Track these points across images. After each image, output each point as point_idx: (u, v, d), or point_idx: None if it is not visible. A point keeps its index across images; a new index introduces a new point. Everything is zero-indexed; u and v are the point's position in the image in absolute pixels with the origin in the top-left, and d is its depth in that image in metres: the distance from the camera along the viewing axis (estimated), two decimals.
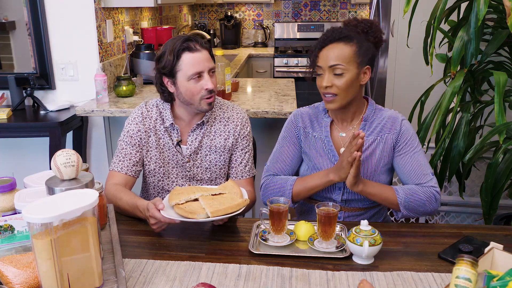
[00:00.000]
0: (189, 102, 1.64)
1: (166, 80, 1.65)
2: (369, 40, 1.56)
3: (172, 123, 1.69)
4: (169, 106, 1.71)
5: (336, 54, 1.50)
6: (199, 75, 1.60)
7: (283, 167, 1.67)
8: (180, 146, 1.71)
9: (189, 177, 1.75)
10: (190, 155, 1.72)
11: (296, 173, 1.72)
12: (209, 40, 5.14)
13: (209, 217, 1.35)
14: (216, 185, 1.78)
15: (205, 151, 1.73)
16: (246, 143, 1.76)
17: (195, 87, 1.61)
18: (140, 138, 1.70)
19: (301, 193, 1.59)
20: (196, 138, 1.71)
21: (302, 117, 1.68)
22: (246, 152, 1.77)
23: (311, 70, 1.58)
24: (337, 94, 1.53)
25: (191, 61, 1.59)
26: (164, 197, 1.76)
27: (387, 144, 1.60)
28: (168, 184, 1.76)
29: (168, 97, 1.69)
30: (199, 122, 1.70)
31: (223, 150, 1.74)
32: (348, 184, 1.48)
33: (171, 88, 1.65)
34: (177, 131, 1.70)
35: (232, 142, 1.74)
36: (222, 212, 1.36)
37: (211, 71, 1.63)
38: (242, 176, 1.77)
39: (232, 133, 1.74)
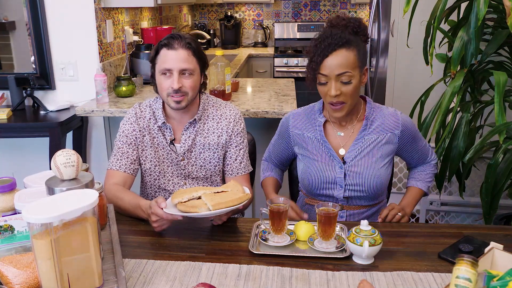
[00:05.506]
0: (161, 96, 1.69)
1: (152, 71, 1.71)
2: (361, 39, 1.56)
3: (164, 122, 1.70)
4: (161, 106, 1.72)
5: (341, 61, 1.49)
6: (169, 72, 1.62)
7: (272, 157, 1.86)
8: (173, 144, 1.72)
9: (184, 175, 1.75)
10: (184, 153, 1.72)
11: (285, 166, 1.89)
12: (208, 40, 5.14)
13: (210, 210, 1.35)
14: (211, 182, 1.79)
15: (199, 149, 1.73)
16: (240, 139, 1.76)
17: (164, 83, 1.64)
18: (136, 137, 1.72)
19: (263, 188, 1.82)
20: (189, 136, 1.72)
21: (295, 119, 1.71)
22: (240, 149, 1.77)
23: (310, 76, 1.56)
24: (346, 102, 1.53)
25: (164, 57, 1.63)
26: (162, 196, 1.77)
27: (390, 141, 1.63)
28: (164, 183, 1.76)
29: (156, 89, 1.72)
30: (191, 120, 1.71)
31: (216, 147, 1.74)
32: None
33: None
34: (169, 129, 1.71)
35: (226, 139, 1.74)
36: (223, 205, 1.36)
37: (185, 72, 1.62)
38: (237, 173, 1.77)
39: (225, 130, 1.74)
